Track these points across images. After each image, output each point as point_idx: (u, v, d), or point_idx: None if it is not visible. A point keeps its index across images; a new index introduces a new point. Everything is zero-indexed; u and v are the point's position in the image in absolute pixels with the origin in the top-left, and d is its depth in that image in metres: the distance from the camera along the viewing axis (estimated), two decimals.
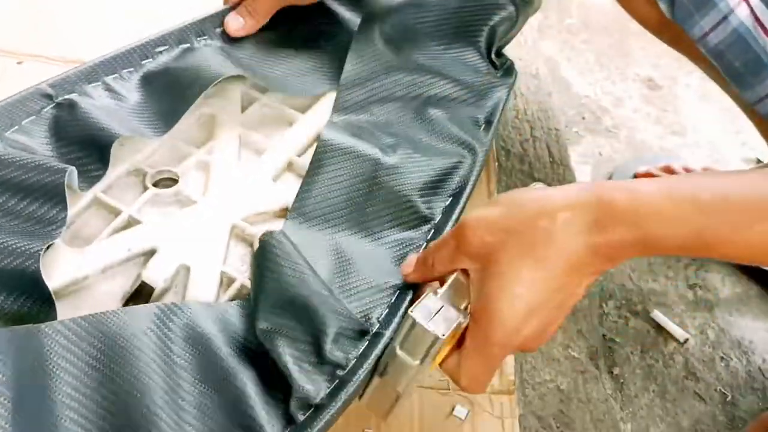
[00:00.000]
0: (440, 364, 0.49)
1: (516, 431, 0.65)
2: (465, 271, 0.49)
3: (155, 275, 0.53)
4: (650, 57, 1.28)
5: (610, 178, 1.03)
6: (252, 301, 0.49)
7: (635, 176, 1.00)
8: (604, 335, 0.88)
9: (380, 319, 0.52)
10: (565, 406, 0.81)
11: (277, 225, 0.58)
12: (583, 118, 1.15)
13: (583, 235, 0.44)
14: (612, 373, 0.85)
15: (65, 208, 0.51)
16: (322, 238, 0.56)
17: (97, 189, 0.58)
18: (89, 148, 0.57)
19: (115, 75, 0.63)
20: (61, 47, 0.70)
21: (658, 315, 0.90)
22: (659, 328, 0.89)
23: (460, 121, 0.69)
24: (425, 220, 0.60)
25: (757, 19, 0.68)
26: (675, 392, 0.84)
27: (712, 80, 0.89)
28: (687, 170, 0.98)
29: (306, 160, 0.62)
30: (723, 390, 0.85)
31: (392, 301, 0.53)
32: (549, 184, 0.59)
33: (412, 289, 0.54)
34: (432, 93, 0.71)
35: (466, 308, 0.48)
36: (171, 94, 0.62)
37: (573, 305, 0.47)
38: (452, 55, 0.76)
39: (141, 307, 0.46)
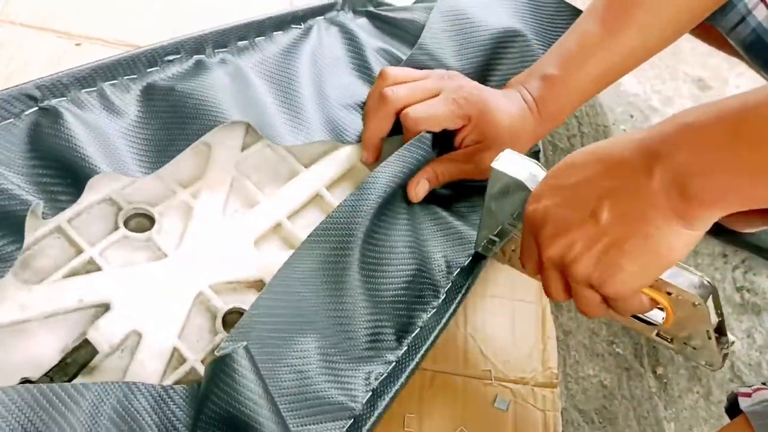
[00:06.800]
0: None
1: (558, 424, 0.64)
2: None
3: (102, 337, 0.48)
4: (700, 57, 1.26)
5: None
6: (195, 412, 0.45)
7: None
8: None
9: None
10: (608, 401, 0.80)
11: (246, 297, 0.53)
12: (631, 116, 1.14)
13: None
14: (656, 372, 0.84)
15: (20, 246, 0.46)
16: (290, 345, 0.50)
17: (63, 216, 0.52)
18: (64, 172, 0.50)
19: (115, 81, 0.56)
20: (120, 30, 0.70)
21: None
22: None
23: None
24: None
25: None
26: (720, 395, 0.83)
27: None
28: None
29: (294, 225, 0.57)
30: None
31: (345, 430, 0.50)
32: None
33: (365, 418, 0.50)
34: None
35: None
36: (170, 121, 0.56)
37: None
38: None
39: (80, 384, 0.42)
